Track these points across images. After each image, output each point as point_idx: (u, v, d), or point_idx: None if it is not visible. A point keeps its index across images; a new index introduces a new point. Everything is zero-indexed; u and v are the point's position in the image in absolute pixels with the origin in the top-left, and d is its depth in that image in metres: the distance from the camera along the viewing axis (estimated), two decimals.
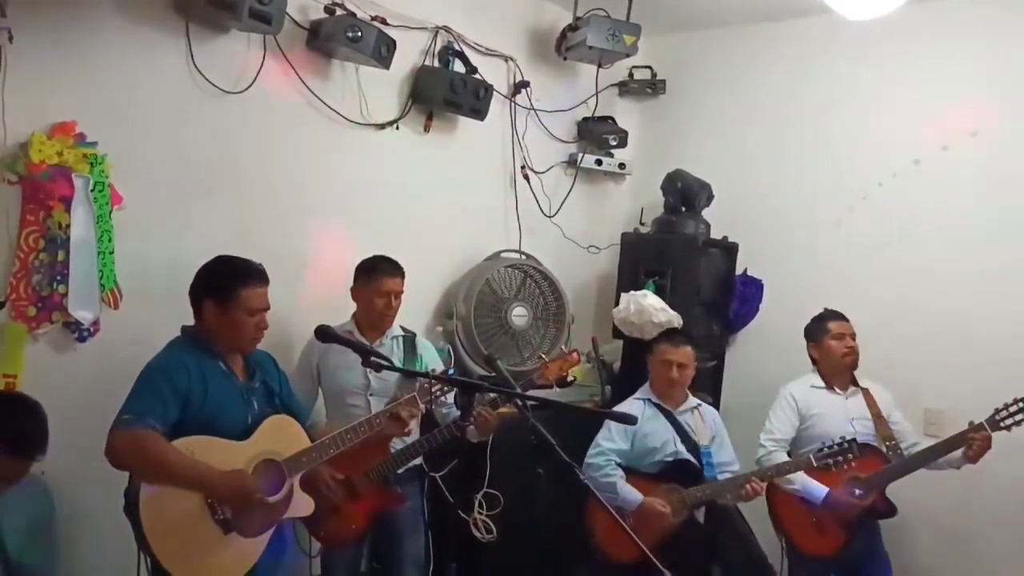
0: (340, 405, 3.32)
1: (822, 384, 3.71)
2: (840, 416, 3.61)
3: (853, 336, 3.69)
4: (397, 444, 3.22)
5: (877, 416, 3.61)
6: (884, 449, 3.53)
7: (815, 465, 3.35)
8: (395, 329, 3.48)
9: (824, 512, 3.46)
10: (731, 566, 3.50)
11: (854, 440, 3.33)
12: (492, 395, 3.06)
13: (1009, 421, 3.30)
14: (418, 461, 3.31)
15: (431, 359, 3.51)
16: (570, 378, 3.50)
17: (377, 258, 3.43)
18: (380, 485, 3.17)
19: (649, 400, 3.69)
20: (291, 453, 2.63)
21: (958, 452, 3.37)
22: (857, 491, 3.41)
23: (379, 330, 3.42)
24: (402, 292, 3.43)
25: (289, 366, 3.09)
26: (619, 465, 3.56)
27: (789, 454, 3.62)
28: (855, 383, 3.72)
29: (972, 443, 3.31)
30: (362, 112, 3.87)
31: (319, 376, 3.37)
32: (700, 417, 3.71)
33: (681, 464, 3.55)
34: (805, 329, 3.80)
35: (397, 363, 3.34)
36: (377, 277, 3.37)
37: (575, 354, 3.44)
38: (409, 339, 3.50)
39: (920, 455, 3.47)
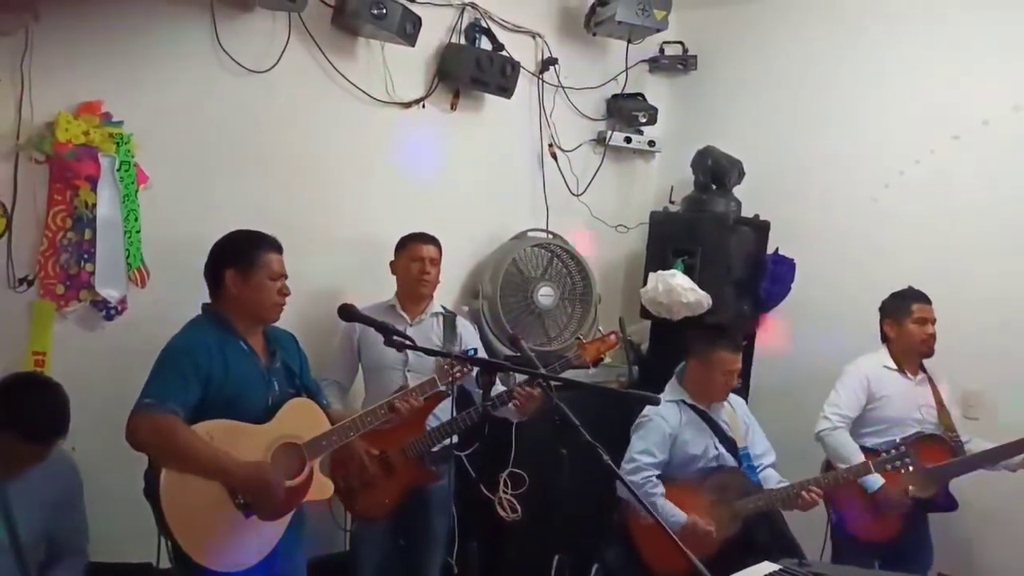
0: (379, 381, 3.33)
1: (895, 366, 3.55)
2: (909, 402, 3.50)
3: (934, 322, 3.51)
4: (432, 422, 3.23)
5: (940, 405, 3.49)
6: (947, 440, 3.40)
7: (872, 472, 3.25)
8: (435, 306, 3.51)
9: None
10: (759, 548, 3.42)
11: (909, 449, 3.22)
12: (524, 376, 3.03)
13: None
14: (451, 440, 3.30)
15: (470, 339, 3.52)
16: (606, 360, 3.50)
17: (411, 232, 3.50)
18: (415, 462, 3.19)
19: (683, 402, 3.40)
20: (311, 436, 2.63)
21: (1021, 456, 3.25)
22: (910, 488, 3.31)
23: (419, 304, 3.46)
24: (437, 261, 3.46)
25: (314, 345, 3.09)
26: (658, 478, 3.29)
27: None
28: (923, 369, 3.59)
29: None
30: (388, 90, 3.85)
31: (359, 352, 3.39)
32: (732, 409, 3.52)
33: (725, 470, 3.36)
34: (883, 304, 3.63)
35: (436, 341, 3.38)
36: (410, 245, 3.45)
37: (613, 336, 3.41)
38: (450, 319, 3.53)
39: (989, 453, 3.31)
